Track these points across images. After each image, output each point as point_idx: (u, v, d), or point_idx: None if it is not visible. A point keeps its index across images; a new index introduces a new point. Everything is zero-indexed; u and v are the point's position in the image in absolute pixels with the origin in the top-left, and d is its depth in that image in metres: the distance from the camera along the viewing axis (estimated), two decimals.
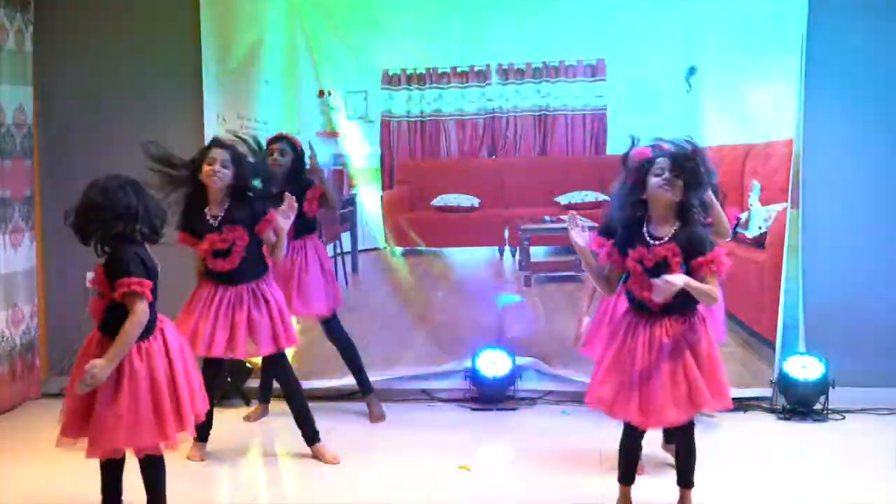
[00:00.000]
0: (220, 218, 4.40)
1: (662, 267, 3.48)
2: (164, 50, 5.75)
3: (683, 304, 3.52)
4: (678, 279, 3.38)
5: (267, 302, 4.45)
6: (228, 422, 5.13)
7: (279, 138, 5.12)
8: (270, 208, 4.43)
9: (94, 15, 5.82)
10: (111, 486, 3.69)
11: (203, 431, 4.53)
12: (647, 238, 3.54)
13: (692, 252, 3.47)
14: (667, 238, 3.51)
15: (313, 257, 5.09)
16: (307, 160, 5.15)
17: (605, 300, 4.45)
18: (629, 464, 3.78)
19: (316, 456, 4.58)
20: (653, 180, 3.51)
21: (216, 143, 4.47)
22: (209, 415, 4.34)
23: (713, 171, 3.60)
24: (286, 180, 4.97)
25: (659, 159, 3.52)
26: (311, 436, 4.60)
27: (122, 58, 5.79)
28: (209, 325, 4.38)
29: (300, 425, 4.61)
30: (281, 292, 4.61)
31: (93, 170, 5.74)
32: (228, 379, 5.56)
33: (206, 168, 4.34)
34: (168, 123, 5.75)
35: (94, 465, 3.66)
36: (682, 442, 3.71)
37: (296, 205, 4.51)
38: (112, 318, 3.47)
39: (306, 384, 5.51)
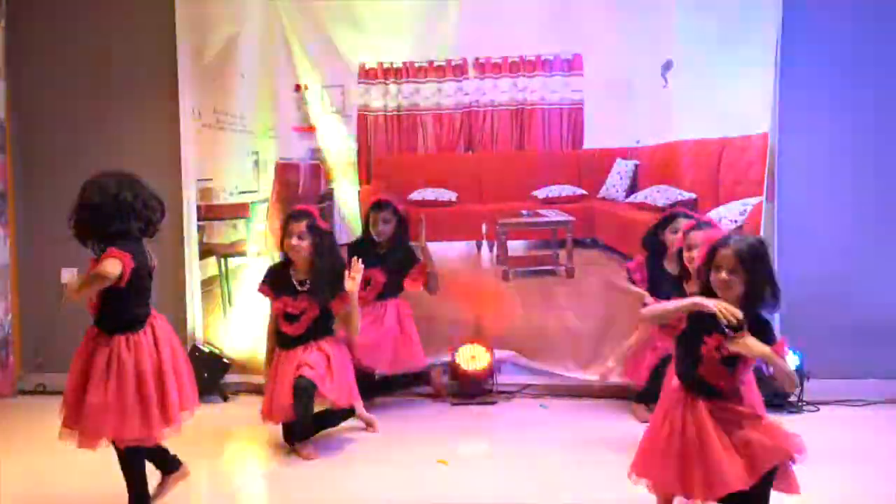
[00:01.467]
0: (301, 284, 4.54)
1: (737, 358, 3.34)
2: (139, 43, 5.71)
3: (738, 387, 3.42)
4: (761, 346, 3.25)
5: (324, 351, 4.55)
6: (206, 418, 5.09)
7: (383, 205, 5.22)
8: (347, 287, 4.52)
9: (68, 9, 5.78)
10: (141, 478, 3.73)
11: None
12: (724, 327, 3.30)
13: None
14: (741, 329, 3.28)
15: (391, 318, 5.22)
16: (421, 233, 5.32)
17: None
18: None
19: (295, 450, 4.59)
20: (713, 276, 3.35)
21: (293, 215, 4.60)
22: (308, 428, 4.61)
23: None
24: (386, 248, 5.18)
25: (721, 251, 3.34)
26: (302, 436, 4.60)
27: (97, 51, 5.75)
28: (280, 396, 4.52)
29: (298, 427, 4.59)
30: (345, 353, 4.68)
31: (67, 164, 5.77)
32: (205, 375, 5.53)
33: (286, 242, 4.54)
34: (143, 118, 5.73)
35: (70, 462, 3.65)
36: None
37: (362, 268, 4.55)
38: (105, 312, 3.57)
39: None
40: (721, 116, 5.32)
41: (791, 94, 5.30)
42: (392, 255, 5.23)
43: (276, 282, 4.62)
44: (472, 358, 5.53)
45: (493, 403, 5.49)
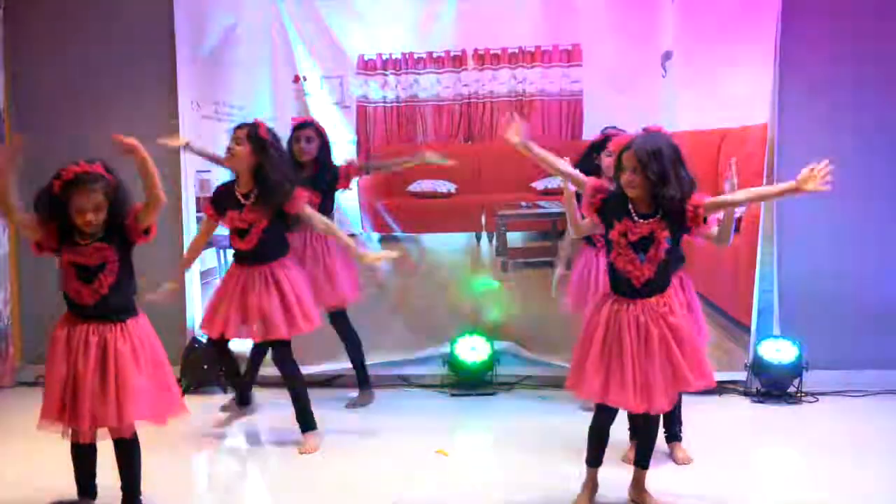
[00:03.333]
0: (245, 197, 4.45)
1: (648, 241, 3.52)
2: (138, 34, 5.70)
3: (664, 282, 3.57)
4: None
5: (280, 286, 4.47)
6: (206, 409, 5.10)
7: (306, 124, 5.11)
8: (298, 186, 4.49)
9: None
10: (87, 471, 3.72)
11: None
12: (633, 214, 3.56)
13: (679, 225, 3.52)
14: (649, 216, 3.54)
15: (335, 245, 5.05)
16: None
17: (585, 255, 4.75)
18: (600, 447, 3.80)
19: (301, 442, 4.58)
20: (621, 178, 3.55)
21: (238, 125, 4.53)
22: (249, 384, 4.84)
23: (683, 163, 3.55)
24: (313, 168, 5.03)
25: (624, 154, 3.53)
26: (306, 424, 4.60)
27: (95, 42, 5.74)
28: (223, 307, 4.49)
29: (299, 412, 4.60)
30: (303, 276, 4.62)
31: (66, 154, 5.75)
32: (204, 366, 5.54)
33: (228, 149, 4.47)
34: (142, 109, 5.71)
35: (67, 453, 3.65)
36: (645, 424, 3.73)
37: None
38: (119, 294, 3.55)
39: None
40: (721, 107, 5.32)
41: (790, 85, 5.30)
42: (321, 176, 5.02)
43: (221, 199, 4.52)
44: (472, 349, 5.53)
45: (492, 395, 5.50)
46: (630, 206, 3.57)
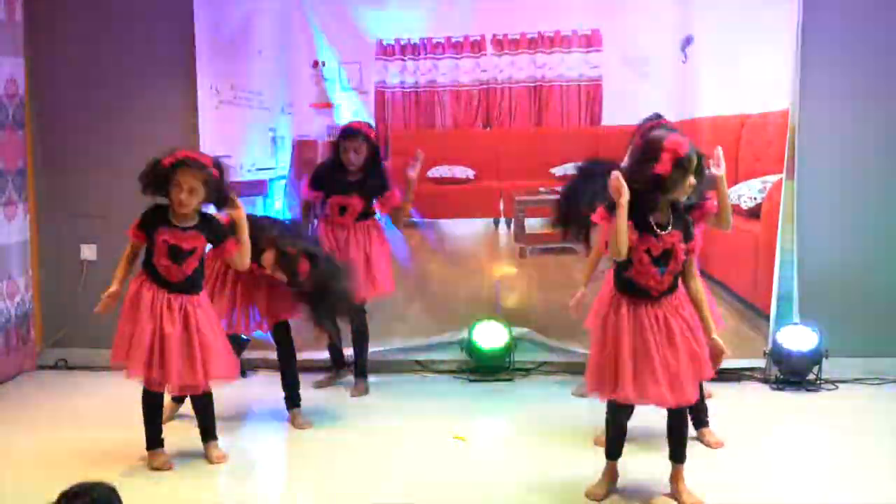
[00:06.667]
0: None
1: (669, 255, 3.52)
2: (158, 20, 5.71)
3: (677, 284, 3.59)
4: None
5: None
6: (227, 392, 5.12)
7: (353, 133, 5.05)
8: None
9: None
10: (159, 421, 4.16)
11: None
12: (654, 226, 3.52)
13: (686, 239, 3.56)
14: (669, 226, 3.53)
15: (377, 238, 5.15)
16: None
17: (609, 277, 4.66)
18: (619, 440, 3.81)
19: (291, 420, 4.70)
20: (684, 181, 3.45)
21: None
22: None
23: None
24: (362, 175, 5.06)
25: (693, 157, 3.46)
26: (295, 400, 4.74)
27: (115, 28, 5.74)
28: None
29: (288, 388, 4.75)
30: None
31: (86, 141, 5.80)
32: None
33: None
34: (161, 94, 5.73)
35: (87, 437, 3.68)
36: (675, 417, 3.72)
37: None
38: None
39: (303, 355, 5.55)
40: (741, 93, 5.28)
41: (812, 70, 5.25)
42: (368, 182, 5.05)
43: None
44: (489, 335, 5.53)
45: (509, 381, 5.50)
46: (651, 219, 3.53)
